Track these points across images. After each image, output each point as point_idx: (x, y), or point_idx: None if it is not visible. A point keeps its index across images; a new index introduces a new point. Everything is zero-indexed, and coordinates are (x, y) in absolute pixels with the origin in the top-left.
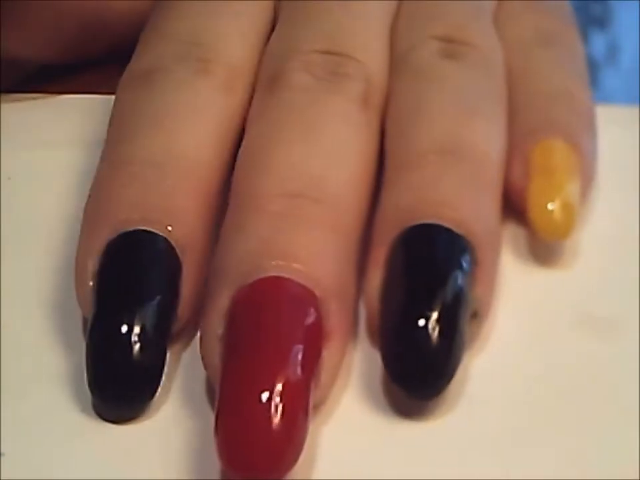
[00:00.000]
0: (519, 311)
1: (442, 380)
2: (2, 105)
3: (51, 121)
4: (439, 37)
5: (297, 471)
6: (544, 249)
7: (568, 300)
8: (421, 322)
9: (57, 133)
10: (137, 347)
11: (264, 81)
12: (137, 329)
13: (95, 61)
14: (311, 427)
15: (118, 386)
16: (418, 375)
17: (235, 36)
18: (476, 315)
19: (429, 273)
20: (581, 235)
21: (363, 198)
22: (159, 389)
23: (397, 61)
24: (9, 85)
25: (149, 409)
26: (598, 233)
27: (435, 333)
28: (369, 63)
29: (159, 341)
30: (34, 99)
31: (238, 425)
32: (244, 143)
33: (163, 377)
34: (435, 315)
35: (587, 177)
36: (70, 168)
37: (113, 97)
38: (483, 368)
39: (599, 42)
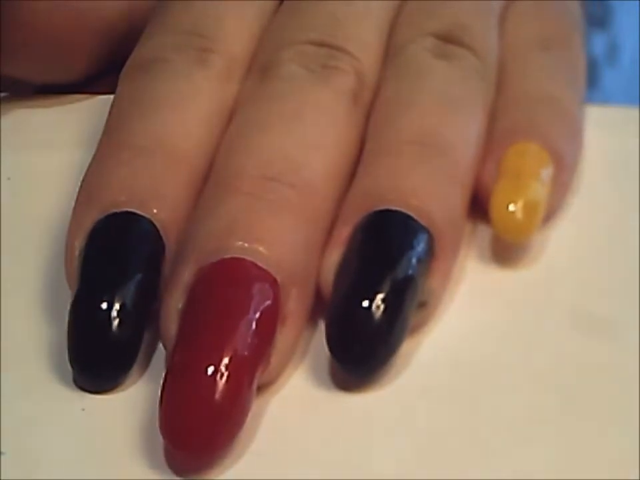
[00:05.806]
0: (519, 311)
1: (375, 362)
2: (2, 105)
3: (51, 121)
4: (435, 35)
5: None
6: (545, 249)
7: (568, 300)
8: (365, 303)
9: (57, 133)
10: (115, 322)
11: (256, 70)
12: (116, 306)
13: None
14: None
15: (94, 359)
16: (353, 354)
17: (236, 25)
18: (424, 305)
19: (381, 257)
20: (582, 235)
21: (338, 188)
22: (134, 364)
23: (391, 53)
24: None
25: (128, 382)
26: (598, 233)
27: (376, 316)
28: (361, 57)
29: (137, 318)
30: (34, 99)
31: (179, 397)
32: (230, 127)
33: (140, 353)
34: (379, 298)
35: (562, 183)
36: (70, 168)
37: (113, 96)
38: (482, 367)
39: (599, 42)
